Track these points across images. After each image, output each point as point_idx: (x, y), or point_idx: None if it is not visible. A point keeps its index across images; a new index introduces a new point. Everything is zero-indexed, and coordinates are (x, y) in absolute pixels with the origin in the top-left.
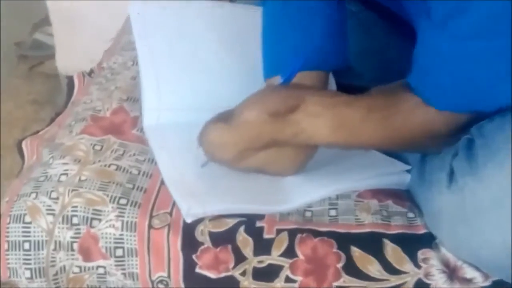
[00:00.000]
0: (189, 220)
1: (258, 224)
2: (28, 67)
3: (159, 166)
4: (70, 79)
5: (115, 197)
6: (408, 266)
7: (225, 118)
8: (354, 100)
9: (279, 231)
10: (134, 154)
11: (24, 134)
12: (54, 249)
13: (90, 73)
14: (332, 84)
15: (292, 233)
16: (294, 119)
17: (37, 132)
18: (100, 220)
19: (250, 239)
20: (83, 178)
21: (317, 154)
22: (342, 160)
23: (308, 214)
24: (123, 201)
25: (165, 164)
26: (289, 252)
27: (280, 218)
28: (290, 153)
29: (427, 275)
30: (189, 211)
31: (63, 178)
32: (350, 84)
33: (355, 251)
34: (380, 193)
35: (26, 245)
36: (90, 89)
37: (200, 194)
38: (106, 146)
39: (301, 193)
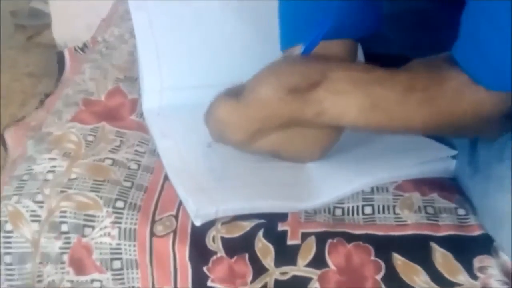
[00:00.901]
0: (198, 223)
1: (280, 227)
2: (25, 37)
3: (161, 158)
4: (59, 55)
5: (110, 199)
6: (462, 276)
7: (235, 93)
8: (390, 77)
9: (305, 236)
10: (133, 145)
11: (22, 110)
12: (41, 262)
13: (83, 48)
14: (360, 55)
15: (321, 238)
16: (316, 97)
17: (23, 118)
18: (93, 227)
19: (270, 246)
20: (73, 176)
21: (343, 136)
22: (374, 143)
23: (338, 212)
24: (119, 203)
25: (169, 155)
26: (318, 262)
27: (305, 218)
28: (311, 134)
29: (485, 287)
30: (198, 211)
31: (50, 176)
32: (380, 54)
33: (397, 259)
34: (423, 184)
35: (8, 259)
36: (82, 67)
37: (211, 189)
38: (100, 135)
39: (330, 186)
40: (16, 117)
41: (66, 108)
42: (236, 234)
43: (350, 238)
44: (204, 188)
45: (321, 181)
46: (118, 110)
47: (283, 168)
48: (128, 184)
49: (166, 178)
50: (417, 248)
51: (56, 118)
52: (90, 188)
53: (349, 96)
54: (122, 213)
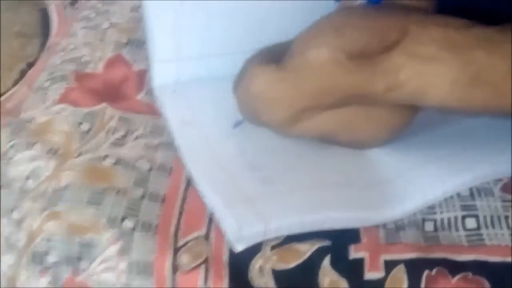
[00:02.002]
0: (240, 248)
1: (353, 252)
2: None
3: (182, 153)
4: (43, 12)
5: (115, 217)
6: None
7: (276, 57)
8: (499, 39)
9: (390, 265)
10: (142, 136)
11: (9, 76)
12: None
13: (74, 2)
14: None
15: (413, 268)
16: (390, 65)
17: None
18: (92, 258)
19: (342, 281)
20: (62, 183)
21: None
22: (455, 125)
23: (429, 226)
24: (128, 223)
25: (193, 148)
26: None
27: (386, 237)
28: (377, 115)
29: None
30: (241, 231)
31: (30, 184)
32: (482, 10)
33: None
34: None
35: None
36: (73, 28)
37: (256, 197)
38: (99, 123)
39: (413, 186)
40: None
41: (52, 83)
42: (292, 263)
43: (453, 267)
44: (247, 196)
45: (399, 179)
46: (120, 86)
47: (342, 159)
48: (139, 192)
49: (189, 181)
50: None
51: (39, 97)
52: (87, 201)
53: (439, 63)
54: (132, 237)
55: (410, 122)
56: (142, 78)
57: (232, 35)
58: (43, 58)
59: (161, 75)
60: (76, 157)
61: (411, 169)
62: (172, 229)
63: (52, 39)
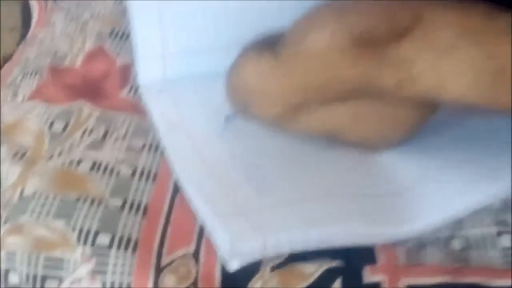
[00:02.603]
0: (234, 266)
1: (369, 275)
2: None
3: (170, 157)
4: (24, 5)
5: (88, 231)
6: None
7: (271, 44)
8: None
9: None
10: (124, 137)
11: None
12: None
13: None
14: None
15: None
16: (400, 56)
17: None
18: (60, 279)
19: None
20: (28, 191)
21: None
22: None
23: (457, 244)
24: (103, 238)
25: (181, 155)
26: None
27: (407, 257)
28: (388, 112)
29: None
30: (235, 245)
31: None
32: None
33: None
34: None
35: None
36: (52, 19)
37: (253, 208)
38: (74, 123)
39: (435, 195)
40: None
41: (24, 79)
42: (296, 286)
43: None
44: (242, 207)
45: (417, 187)
46: (101, 82)
47: (350, 163)
48: (117, 202)
49: (177, 189)
50: None
51: (9, 94)
52: (55, 212)
53: (458, 54)
54: (107, 255)
55: (425, 121)
56: (126, 73)
57: (222, 29)
58: (19, 51)
59: (147, 72)
60: (46, 161)
61: (430, 176)
62: (155, 245)
63: (32, 32)
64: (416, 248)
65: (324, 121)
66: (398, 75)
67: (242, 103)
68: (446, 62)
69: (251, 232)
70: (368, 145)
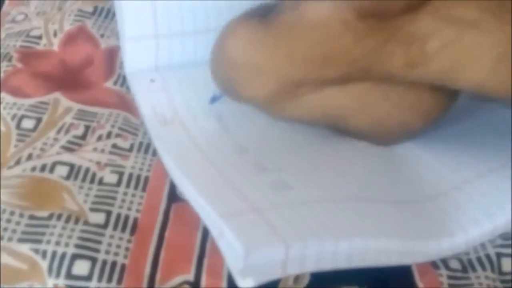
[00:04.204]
0: (248, 285)
1: None
2: None
3: (163, 157)
4: None
5: (62, 257)
6: None
7: (263, 13)
8: None
9: None
10: (108, 136)
11: None
12: None
13: None
14: None
15: None
16: (413, 30)
17: None
18: None
19: None
20: None
21: None
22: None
23: (508, 264)
24: (81, 266)
25: (178, 152)
26: None
27: (452, 282)
28: (401, 95)
29: None
30: (248, 254)
31: None
32: None
33: None
34: None
35: None
36: None
37: (268, 208)
38: (48, 119)
39: (477, 205)
40: None
41: None
42: None
43: None
44: (255, 206)
45: (453, 193)
46: (82, 69)
47: (369, 157)
48: (99, 218)
49: (172, 198)
50: None
51: None
52: (21, 235)
53: (480, 31)
54: (87, 287)
55: (447, 109)
56: (112, 58)
57: (222, 7)
58: None
59: (135, 57)
60: (11, 167)
61: (467, 179)
62: (147, 270)
63: (3, 9)
64: (460, 269)
65: (324, 104)
66: (409, 54)
67: (227, 81)
68: (465, 40)
69: (269, 235)
70: (375, 137)
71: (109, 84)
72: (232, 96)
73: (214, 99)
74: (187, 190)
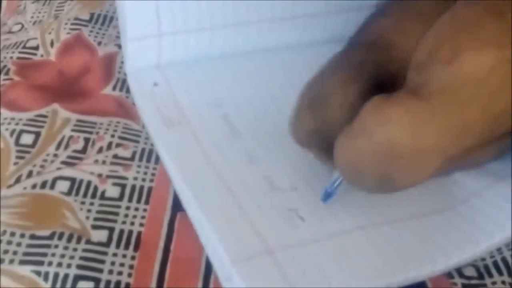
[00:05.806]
0: None
1: None
2: None
3: (167, 165)
4: None
5: (65, 278)
6: None
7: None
8: None
9: None
10: (109, 147)
11: None
12: None
13: None
14: None
15: None
16: None
17: None
18: None
19: None
20: None
21: None
22: None
23: None
24: (85, 286)
25: (185, 158)
26: None
27: (463, 287)
28: None
29: None
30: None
31: None
32: None
33: None
34: None
35: None
36: (22, 4)
37: (283, 246)
38: (46, 133)
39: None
40: None
41: None
42: None
43: None
44: (268, 242)
45: (474, 200)
46: (81, 77)
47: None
48: (102, 235)
49: (176, 208)
50: None
51: None
52: (22, 256)
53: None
54: None
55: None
56: (110, 65)
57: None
58: None
59: (137, 56)
60: (11, 186)
61: (488, 185)
62: None
63: (1, 20)
64: (476, 277)
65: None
66: None
67: (382, 172)
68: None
69: (279, 280)
70: None
71: (108, 89)
72: (382, 188)
73: (327, 196)
74: (193, 210)
